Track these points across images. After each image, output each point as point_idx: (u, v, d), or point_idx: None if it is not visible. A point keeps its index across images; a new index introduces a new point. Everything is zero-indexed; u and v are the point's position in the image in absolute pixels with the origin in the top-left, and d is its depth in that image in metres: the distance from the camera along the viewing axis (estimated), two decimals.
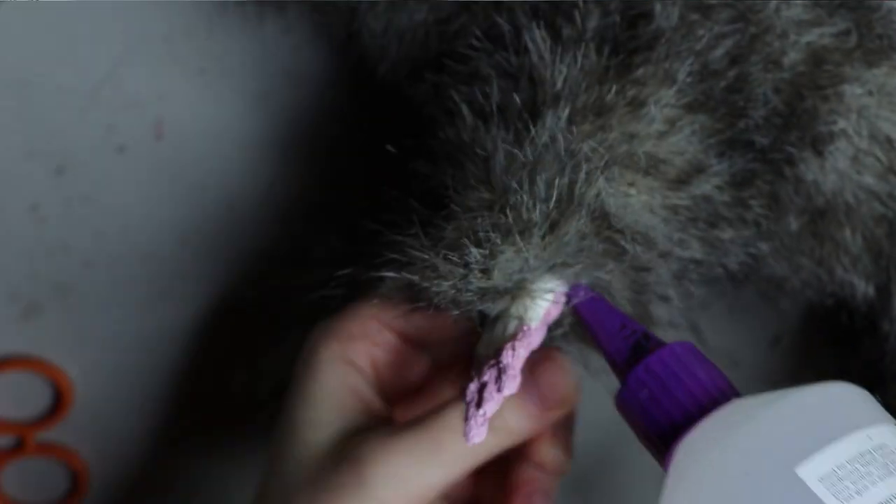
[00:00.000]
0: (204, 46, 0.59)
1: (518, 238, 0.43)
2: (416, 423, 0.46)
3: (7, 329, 0.60)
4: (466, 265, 0.43)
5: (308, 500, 0.46)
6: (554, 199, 0.43)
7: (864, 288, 0.48)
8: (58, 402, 0.60)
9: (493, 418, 0.43)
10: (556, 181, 0.43)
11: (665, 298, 0.48)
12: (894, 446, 0.40)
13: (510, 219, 0.43)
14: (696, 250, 0.46)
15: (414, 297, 0.45)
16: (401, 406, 0.51)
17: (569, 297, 0.45)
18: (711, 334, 0.59)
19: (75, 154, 0.60)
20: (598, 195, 0.44)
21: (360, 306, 0.49)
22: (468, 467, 0.47)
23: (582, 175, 0.43)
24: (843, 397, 0.42)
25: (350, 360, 0.48)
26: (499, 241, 0.43)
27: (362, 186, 0.59)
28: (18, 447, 0.60)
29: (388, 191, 0.51)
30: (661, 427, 0.42)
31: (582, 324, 0.45)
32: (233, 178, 0.60)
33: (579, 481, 0.61)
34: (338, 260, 0.55)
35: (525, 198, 0.43)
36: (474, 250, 0.43)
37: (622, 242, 0.44)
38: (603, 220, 0.44)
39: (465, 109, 0.46)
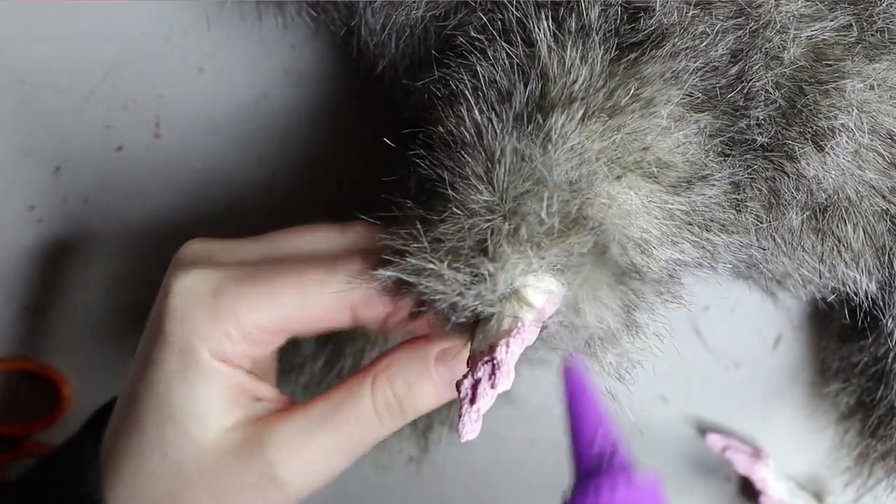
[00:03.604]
0: (202, 46, 0.59)
1: (528, 248, 0.42)
2: (317, 410, 0.46)
3: (4, 330, 0.60)
4: (476, 276, 0.42)
5: (211, 497, 0.46)
6: (563, 211, 0.42)
7: (866, 284, 0.48)
8: (55, 403, 0.60)
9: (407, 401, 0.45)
10: (568, 191, 0.42)
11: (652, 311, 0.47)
12: None
13: (521, 228, 0.42)
14: (687, 254, 0.45)
15: (405, 296, 0.44)
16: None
17: (564, 371, 0.44)
18: (712, 335, 0.59)
19: (73, 154, 0.60)
20: (603, 212, 0.43)
21: (238, 303, 0.46)
22: (372, 445, 0.48)
23: (591, 184, 0.43)
24: None
25: (232, 360, 0.47)
26: (508, 250, 0.42)
27: (361, 184, 0.59)
28: (15, 447, 0.60)
29: (385, 188, 0.51)
30: None
31: (565, 407, 0.44)
32: (231, 177, 0.60)
33: None
34: None
35: (535, 206, 0.42)
36: (485, 261, 0.42)
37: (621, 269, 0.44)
38: (604, 246, 0.43)
39: (469, 100, 0.45)
